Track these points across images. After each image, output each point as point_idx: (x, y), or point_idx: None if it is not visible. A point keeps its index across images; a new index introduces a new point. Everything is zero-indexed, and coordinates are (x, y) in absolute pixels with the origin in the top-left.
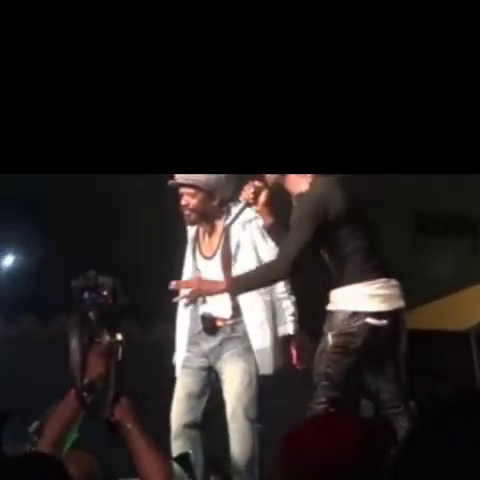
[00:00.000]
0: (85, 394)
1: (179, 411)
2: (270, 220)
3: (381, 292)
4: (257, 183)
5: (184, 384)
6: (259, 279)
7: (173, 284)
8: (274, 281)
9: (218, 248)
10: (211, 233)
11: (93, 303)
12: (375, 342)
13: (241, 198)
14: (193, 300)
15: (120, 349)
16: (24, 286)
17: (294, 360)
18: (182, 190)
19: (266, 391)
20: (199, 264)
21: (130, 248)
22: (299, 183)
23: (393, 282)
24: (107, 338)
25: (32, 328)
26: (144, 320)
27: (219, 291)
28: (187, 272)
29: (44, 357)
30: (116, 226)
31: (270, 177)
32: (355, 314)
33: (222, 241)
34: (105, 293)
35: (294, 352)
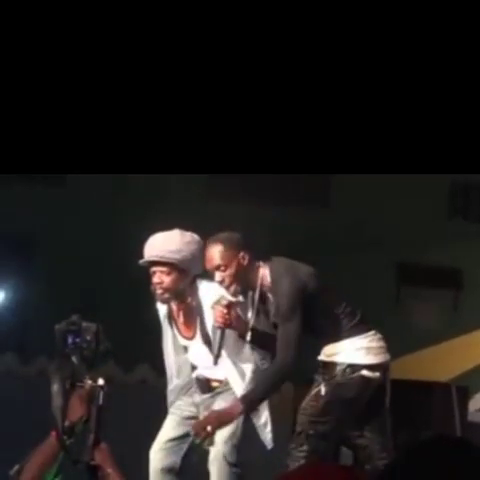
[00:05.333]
0: (65, 437)
1: (158, 455)
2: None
3: (374, 345)
4: (223, 301)
5: (167, 429)
6: (270, 386)
7: (193, 432)
8: (284, 380)
9: (196, 330)
10: (186, 312)
11: (76, 347)
12: (366, 394)
13: (217, 324)
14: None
15: (101, 393)
16: (8, 324)
17: None
18: (155, 268)
19: (251, 439)
20: (182, 342)
21: (113, 292)
22: (264, 275)
23: (379, 335)
24: (89, 382)
25: (13, 365)
26: (125, 362)
27: (236, 417)
28: (169, 349)
29: (25, 394)
30: (101, 271)
31: (233, 281)
32: (351, 366)
33: (198, 323)
34: (88, 338)
35: None
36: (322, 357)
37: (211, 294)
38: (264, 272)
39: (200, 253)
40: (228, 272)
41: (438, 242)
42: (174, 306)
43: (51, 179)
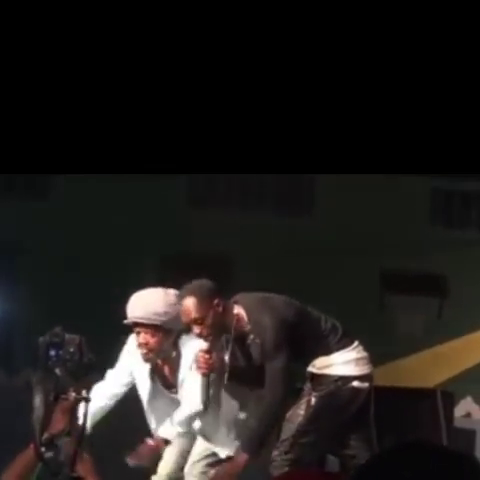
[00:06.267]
0: (44, 449)
1: (170, 469)
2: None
3: (361, 355)
4: (205, 347)
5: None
6: (266, 428)
7: None
8: (278, 417)
9: (180, 385)
10: (170, 366)
11: (59, 360)
12: (355, 404)
13: (201, 370)
14: None
15: (86, 406)
16: None
17: None
18: (139, 328)
19: None
20: (167, 394)
21: (98, 303)
22: (241, 318)
23: (361, 346)
24: (73, 395)
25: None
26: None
27: (244, 467)
28: (152, 400)
29: (11, 406)
30: (86, 282)
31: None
32: (342, 378)
33: (181, 374)
34: (72, 350)
35: None
36: (312, 369)
37: (193, 345)
38: (239, 311)
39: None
40: (206, 324)
41: (421, 250)
42: (159, 361)
43: (35, 190)
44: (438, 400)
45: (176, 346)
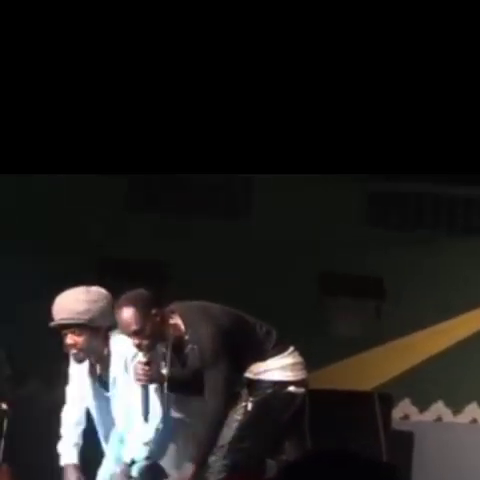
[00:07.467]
0: None
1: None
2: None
3: (297, 360)
4: (143, 358)
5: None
6: (209, 439)
7: None
8: (220, 426)
9: (112, 383)
10: (103, 365)
11: None
12: (291, 410)
13: (140, 382)
14: None
15: (5, 419)
16: None
17: None
18: (66, 330)
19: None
20: (104, 393)
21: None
22: (178, 328)
23: (296, 351)
24: None
25: None
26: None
27: (193, 478)
28: (94, 402)
29: None
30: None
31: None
32: (278, 384)
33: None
34: None
35: None
36: (249, 375)
37: (125, 344)
38: (176, 321)
39: (109, 306)
40: (145, 334)
41: (358, 251)
42: (92, 361)
43: None
44: (376, 403)
45: (107, 344)
